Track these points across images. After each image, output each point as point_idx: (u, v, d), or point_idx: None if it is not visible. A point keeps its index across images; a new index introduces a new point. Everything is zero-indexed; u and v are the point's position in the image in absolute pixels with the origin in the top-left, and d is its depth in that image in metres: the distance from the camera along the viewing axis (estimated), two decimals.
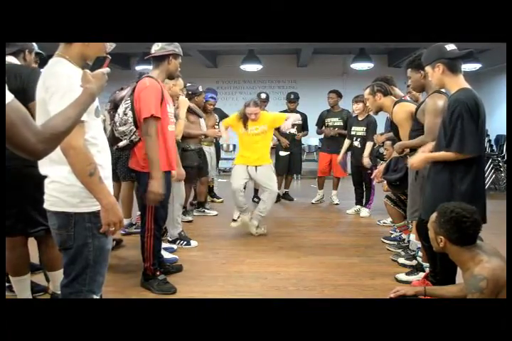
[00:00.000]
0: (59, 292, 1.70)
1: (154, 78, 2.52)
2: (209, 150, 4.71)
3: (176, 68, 2.64)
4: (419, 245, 2.65)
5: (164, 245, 3.20)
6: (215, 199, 5.58)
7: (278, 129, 4.30)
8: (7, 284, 2.38)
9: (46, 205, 1.52)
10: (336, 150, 5.20)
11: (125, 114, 2.58)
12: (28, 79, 1.99)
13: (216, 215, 4.80)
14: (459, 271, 1.97)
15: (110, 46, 1.63)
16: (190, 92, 4.19)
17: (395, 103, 3.07)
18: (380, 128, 4.75)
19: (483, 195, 2.23)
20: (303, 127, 5.62)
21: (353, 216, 4.89)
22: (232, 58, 8.36)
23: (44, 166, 1.48)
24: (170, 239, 3.56)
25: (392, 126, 3.16)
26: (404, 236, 3.42)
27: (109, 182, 1.53)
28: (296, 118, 4.28)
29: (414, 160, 2.33)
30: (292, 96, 5.56)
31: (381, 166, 3.33)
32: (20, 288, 2.25)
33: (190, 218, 4.52)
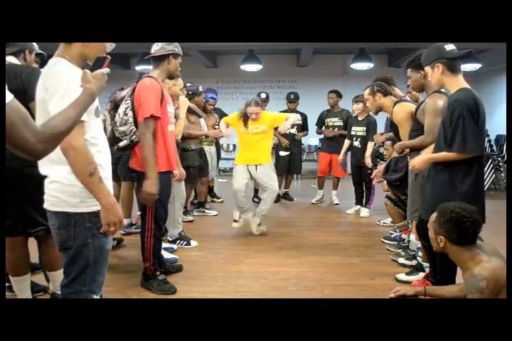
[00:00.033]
0: (59, 292, 1.70)
1: (154, 78, 2.52)
2: (209, 150, 4.71)
3: (176, 68, 2.65)
4: (419, 245, 2.65)
5: (164, 245, 3.20)
6: (215, 199, 5.58)
7: (277, 129, 4.30)
8: (7, 284, 2.38)
9: (46, 205, 1.52)
10: (336, 150, 5.20)
11: (125, 114, 2.58)
12: (29, 79, 1.99)
13: (216, 215, 4.80)
14: (458, 271, 1.97)
15: (110, 46, 1.63)
16: (190, 92, 4.19)
17: (395, 103, 3.07)
18: (380, 128, 4.75)
19: (483, 195, 2.23)
20: (303, 127, 5.62)
21: (353, 216, 4.89)
22: (232, 58, 8.36)
23: (44, 166, 1.48)
24: (170, 239, 3.56)
25: (392, 126, 3.16)
26: (404, 236, 3.42)
27: (109, 182, 1.53)
28: (295, 118, 4.29)
29: (416, 162, 2.32)
30: (292, 96, 5.57)
31: (381, 166, 3.33)
32: (20, 288, 2.25)
33: (191, 218, 4.52)
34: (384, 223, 4.37)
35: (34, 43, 2.39)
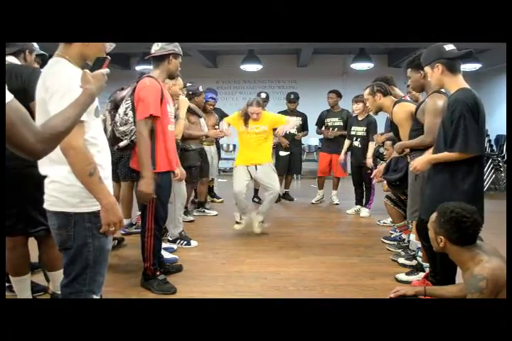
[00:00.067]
0: (59, 292, 1.70)
1: (155, 78, 2.52)
2: (209, 150, 4.71)
3: (177, 68, 2.65)
4: (419, 245, 2.65)
5: (164, 245, 3.20)
6: (215, 199, 5.58)
7: (275, 130, 4.30)
8: (7, 284, 2.38)
9: (46, 205, 1.52)
10: (336, 150, 5.20)
11: (126, 114, 2.59)
12: (29, 79, 1.99)
13: (216, 215, 4.80)
14: (458, 270, 1.97)
15: (110, 46, 1.63)
16: (190, 92, 4.19)
17: (395, 103, 3.07)
18: (380, 128, 4.75)
19: (483, 195, 2.23)
20: (303, 127, 5.62)
21: (353, 216, 4.89)
22: (232, 58, 8.36)
23: (44, 166, 1.48)
24: (170, 239, 3.56)
25: (392, 126, 3.16)
26: (404, 236, 3.42)
27: (109, 182, 1.53)
28: (294, 124, 4.28)
29: (417, 163, 2.32)
30: (292, 96, 5.57)
31: (381, 166, 3.33)
32: (21, 288, 2.25)
33: (191, 218, 4.52)
34: (384, 223, 4.37)
35: (34, 43, 2.40)
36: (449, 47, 2.20)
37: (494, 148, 7.58)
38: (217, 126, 4.91)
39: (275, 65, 8.66)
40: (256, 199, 5.39)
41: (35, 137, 0.98)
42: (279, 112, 5.56)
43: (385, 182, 3.26)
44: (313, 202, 5.58)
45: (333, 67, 8.83)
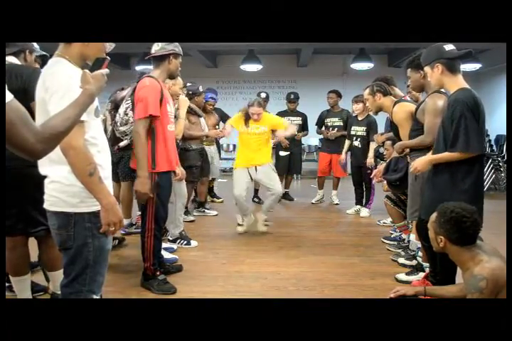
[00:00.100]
0: (59, 292, 1.70)
1: (155, 78, 2.52)
2: (209, 150, 4.71)
3: (177, 68, 2.65)
4: (419, 245, 2.65)
5: (164, 245, 3.20)
6: (215, 199, 5.58)
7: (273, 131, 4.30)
8: (7, 284, 2.38)
9: (46, 205, 1.52)
10: (336, 150, 5.20)
11: (126, 114, 2.59)
12: (30, 79, 1.99)
13: (216, 215, 4.80)
14: (458, 270, 1.97)
15: (110, 46, 1.63)
16: (190, 92, 4.19)
17: (395, 103, 3.07)
18: (380, 128, 4.75)
19: (483, 195, 2.23)
20: (303, 127, 5.62)
21: (353, 216, 4.89)
22: (232, 58, 8.36)
23: (44, 166, 1.48)
24: (171, 238, 3.56)
25: (392, 126, 3.16)
26: (404, 236, 3.42)
27: (108, 182, 1.53)
28: (293, 131, 4.28)
29: (418, 164, 2.30)
30: (292, 96, 5.57)
31: (381, 166, 3.33)
32: (21, 288, 2.25)
33: (192, 218, 4.52)
34: (384, 223, 4.37)
35: (34, 43, 2.39)
36: (449, 47, 2.20)
37: (494, 148, 7.59)
38: (217, 126, 4.91)
39: (275, 65, 8.66)
40: (256, 199, 5.39)
41: (35, 137, 0.98)
42: (279, 112, 5.58)
43: (385, 182, 3.26)
44: (313, 202, 5.58)
45: (333, 67, 8.83)
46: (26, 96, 1.67)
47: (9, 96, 0.94)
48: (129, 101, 2.57)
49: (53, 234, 1.55)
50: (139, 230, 2.87)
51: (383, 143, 3.74)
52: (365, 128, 4.69)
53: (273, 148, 4.90)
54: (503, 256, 1.76)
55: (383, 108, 3.26)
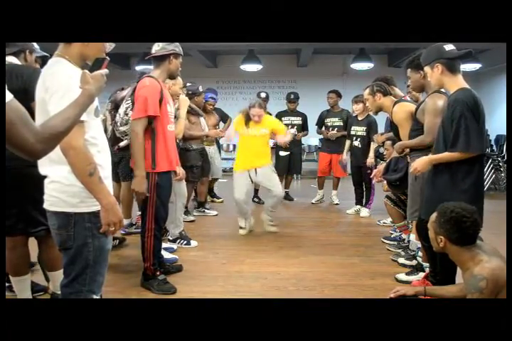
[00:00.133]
0: (59, 292, 1.70)
1: (155, 78, 2.52)
2: (210, 150, 4.71)
3: (177, 68, 2.64)
4: (419, 245, 2.65)
5: (164, 245, 3.20)
6: (215, 199, 5.58)
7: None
8: (7, 284, 2.38)
9: (46, 205, 1.52)
10: (336, 150, 5.20)
11: (126, 114, 2.59)
12: (30, 79, 1.99)
13: (216, 215, 4.80)
14: (458, 271, 1.97)
15: (110, 46, 1.63)
16: (190, 92, 4.20)
17: (395, 103, 3.07)
18: (380, 128, 4.75)
19: (483, 195, 2.23)
20: (303, 127, 5.62)
21: (353, 216, 4.89)
22: (232, 58, 8.36)
23: (44, 166, 1.48)
24: (171, 238, 3.56)
25: (392, 126, 3.16)
26: (404, 236, 3.42)
27: (108, 182, 1.53)
28: (290, 138, 4.30)
29: (417, 164, 2.29)
30: (292, 96, 5.57)
31: (381, 166, 3.33)
32: (21, 288, 2.25)
33: (192, 218, 4.52)
34: (384, 223, 4.37)
35: (35, 43, 2.39)
36: (449, 47, 2.20)
37: (494, 148, 7.59)
38: (217, 126, 4.90)
39: (275, 65, 8.66)
40: (256, 199, 5.39)
41: (35, 137, 0.98)
42: (279, 112, 5.59)
43: (385, 182, 3.26)
44: (313, 202, 5.58)
45: (333, 67, 8.83)
46: (27, 97, 1.67)
47: (9, 96, 0.94)
48: (129, 101, 2.57)
49: (53, 234, 1.55)
50: (139, 230, 2.87)
51: (383, 143, 3.74)
52: (365, 128, 4.69)
53: (273, 148, 4.90)
54: (503, 256, 1.76)
55: (383, 108, 3.26)
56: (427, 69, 2.28)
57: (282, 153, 5.46)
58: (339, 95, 5.41)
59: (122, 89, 3.27)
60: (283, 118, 5.51)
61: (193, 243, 3.62)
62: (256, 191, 5.44)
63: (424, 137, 2.56)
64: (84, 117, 1.29)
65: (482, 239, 1.89)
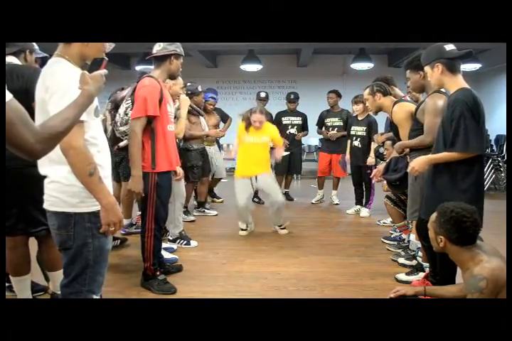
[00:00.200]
0: (59, 292, 1.70)
1: (155, 78, 2.52)
2: (210, 150, 4.71)
3: (178, 68, 2.64)
4: (419, 245, 2.65)
5: (164, 245, 3.20)
6: (215, 199, 5.58)
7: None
8: (7, 284, 2.38)
9: (46, 205, 1.52)
10: (336, 150, 5.21)
11: (126, 114, 2.59)
12: (31, 79, 1.99)
13: (216, 215, 4.80)
14: (458, 271, 1.97)
15: (109, 46, 1.63)
16: (189, 92, 4.20)
17: (395, 103, 3.07)
18: (380, 128, 4.75)
19: (483, 195, 2.23)
20: (303, 127, 5.62)
21: (353, 216, 4.89)
22: (232, 58, 8.36)
23: (43, 166, 1.48)
24: (170, 238, 3.56)
25: (392, 126, 3.16)
26: (404, 236, 3.42)
27: (108, 182, 1.53)
28: (282, 152, 4.29)
29: (415, 164, 2.28)
30: (292, 96, 5.57)
31: (381, 166, 3.33)
32: (21, 288, 2.25)
33: (192, 218, 4.52)
34: (384, 223, 4.37)
35: (35, 44, 2.39)
36: (449, 47, 2.20)
37: (494, 148, 7.59)
38: (218, 126, 4.90)
39: (275, 65, 8.66)
40: (256, 200, 5.39)
41: (35, 137, 0.98)
42: (279, 112, 5.59)
43: (385, 182, 3.26)
44: (313, 202, 5.58)
45: (333, 67, 8.83)
46: (28, 97, 1.67)
47: (8, 96, 0.94)
48: (129, 101, 2.57)
49: (53, 234, 1.55)
50: (139, 230, 2.87)
51: (383, 143, 3.75)
52: (365, 128, 4.69)
53: (273, 148, 4.89)
54: (503, 256, 1.76)
55: (383, 108, 3.26)
56: (427, 69, 2.28)
57: (282, 153, 5.46)
58: (339, 95, 5.41)
59: (122, 89, 3.27)
60: (283, 119, 5.52)
61: (193, 243, 3.62)
62: (256, 191, 5.43)
63: (424, 137, 2.56)
64: (84, 117, 1.29)
65: (482, 239, 1.89)
